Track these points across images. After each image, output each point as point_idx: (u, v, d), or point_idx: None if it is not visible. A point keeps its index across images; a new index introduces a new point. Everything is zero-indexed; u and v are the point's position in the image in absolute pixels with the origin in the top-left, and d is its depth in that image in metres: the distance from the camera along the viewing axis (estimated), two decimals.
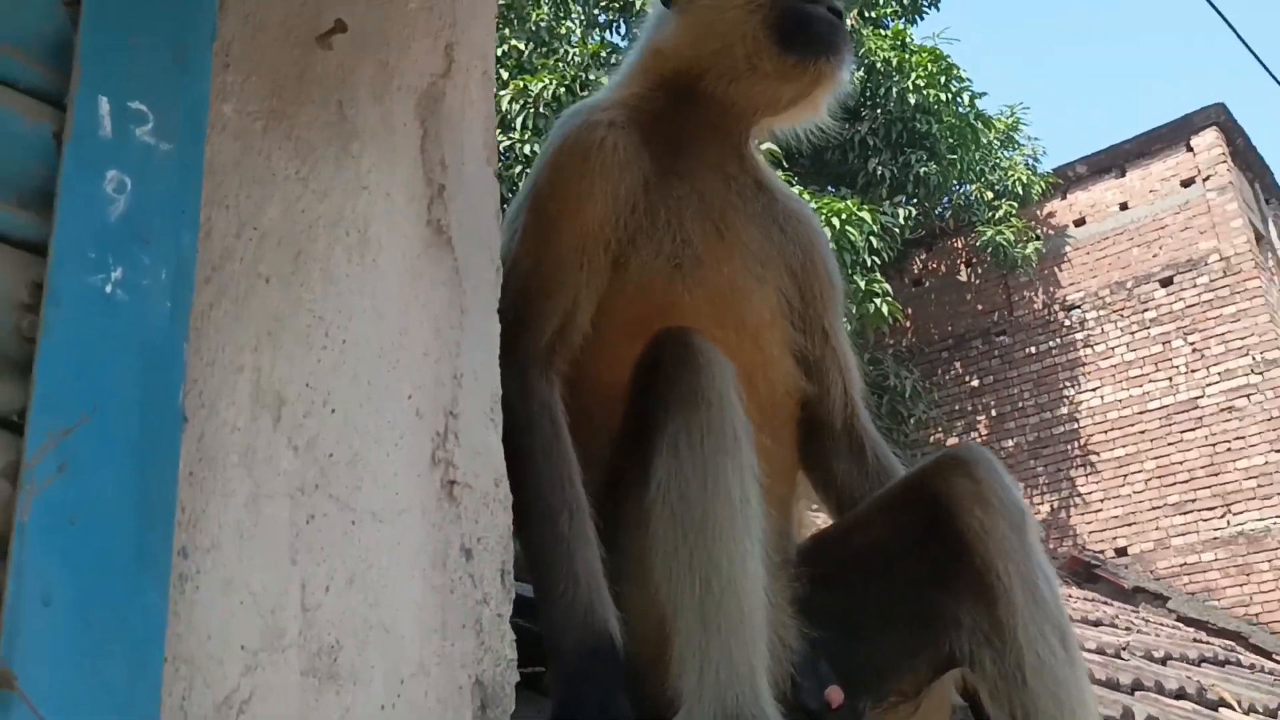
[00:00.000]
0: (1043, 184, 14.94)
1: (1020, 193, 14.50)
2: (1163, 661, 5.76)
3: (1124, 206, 15.46)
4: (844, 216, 11.36)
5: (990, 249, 14.72)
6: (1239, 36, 6.55)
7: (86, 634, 0.85)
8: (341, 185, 1.23)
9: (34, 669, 0.82)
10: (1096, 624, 6.93)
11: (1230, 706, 4.74)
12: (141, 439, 0.93)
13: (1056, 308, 15.70)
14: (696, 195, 1.77)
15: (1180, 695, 4.50)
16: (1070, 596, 10.02)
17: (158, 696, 0.90)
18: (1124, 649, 5.57)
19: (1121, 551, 14.45)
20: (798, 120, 1.95)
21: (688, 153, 1.80)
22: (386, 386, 1.20)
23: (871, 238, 11.81)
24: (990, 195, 14.42)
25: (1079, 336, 15.42)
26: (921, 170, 13.52)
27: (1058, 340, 15.57)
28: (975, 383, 16.12)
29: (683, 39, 1.81)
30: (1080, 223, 15.76)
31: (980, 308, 16.37)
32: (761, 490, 1.46)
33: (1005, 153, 14.91)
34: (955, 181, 14.31)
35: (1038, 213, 15.66)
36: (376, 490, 1.15)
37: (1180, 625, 12.32)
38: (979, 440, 15.76)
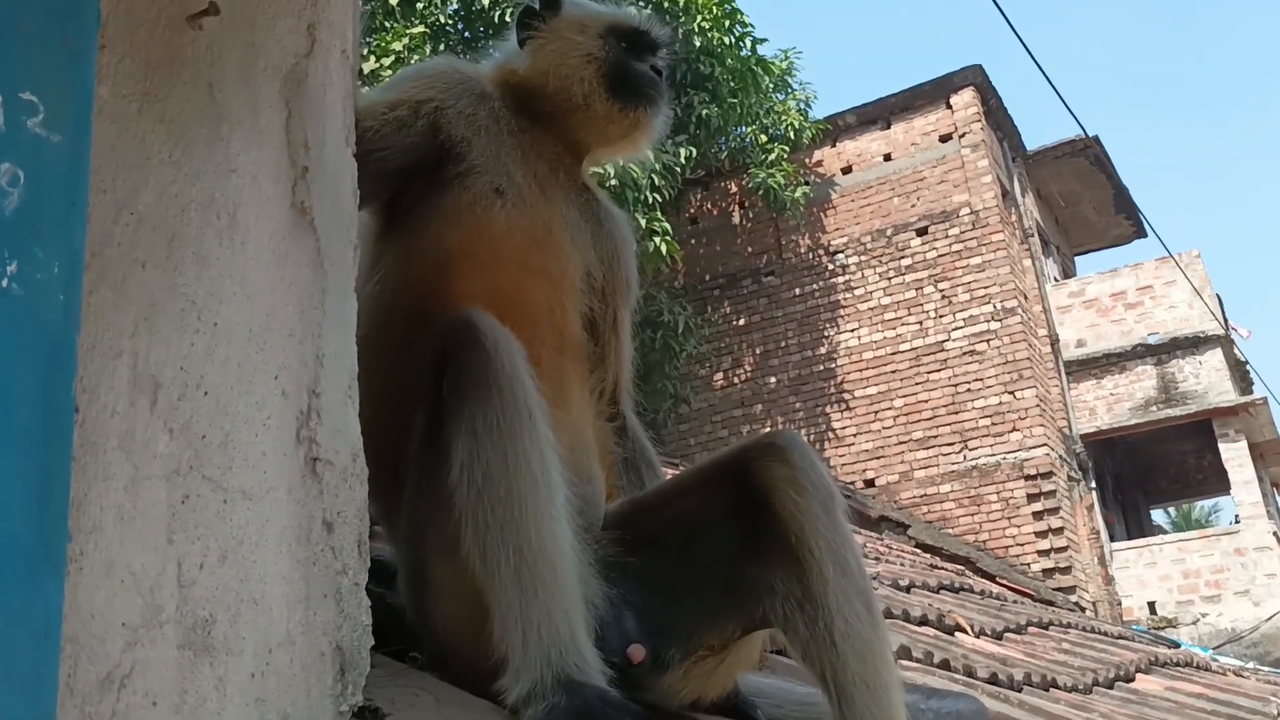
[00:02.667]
0: (813, 130, 15.56)
1: (792, 137, 15.04)
2: (907, 589, 6.27)
3: (887, 158, 16.30)
4: (635, 154, 11.49)
5: (762, 191, 15.24)
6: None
7: None
8: (212, 168, 1.25)
9: None
10: None
11: (964, 630, 5.24)
12: (40, 431, 0.95)
13: (821, 252, 16.45)
14: (528, 164, 1.98)
15: (923, 622, 4.94)
16: None
17: (56, 681, 0.94)
18: (874, 578, 6.04)
19: (870, 483, 15.44)
20: (622, 155, 2.34)
21: (530, 143, 2.00)
22: (255, 368, 1.24)
23: (653, 175, 12.03)
24: (764, 139, 14.89)
25: (841, 280, 16.23)
26: (703, 112, 13.82)
27: (821, 283, 16.33)
28: (743, 321, 16.74)
29: (533, 71, 2.05)
30: (847, 170, 16.52)
31: (751, 249, 16.98)
32: (560, 458, 1.58)
33: (778, 96, 15.42)
34: (734, 125, 14.68)
35: (807, 159, 16.31)
36: (246, 470, 1.20)
37: (918, 551, 13.31)
38: (744, 377, 16.44)
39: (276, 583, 1.20)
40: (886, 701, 1.59)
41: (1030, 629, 6.37)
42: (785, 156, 15.03)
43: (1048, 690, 4.27)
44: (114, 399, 1.10)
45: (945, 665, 3.98)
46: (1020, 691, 4.03)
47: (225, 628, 1.14)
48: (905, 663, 3.59)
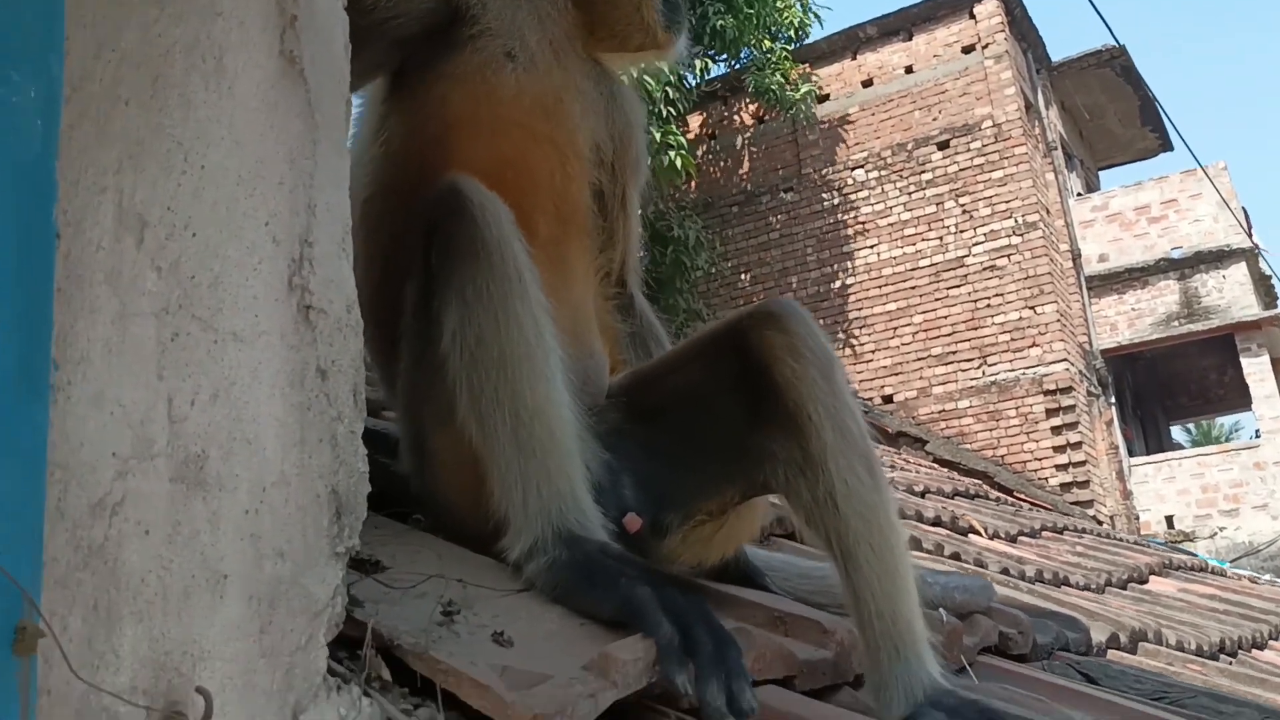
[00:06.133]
0: (811, 21, 15.28)
1: (793, 35, 14.79)
2: (922, 495, 6.30)
3: (909, 70, 16.04)
4: (641, 66, 11.35)
5: (765, 94, 15.02)
6: None
7: None
8: (196, 10, 1.23)
9: None
10: None
11: (978, 532, 5.27)
12: (19, 256, 0.95)
13: (841, 167, 16.27)
14: (544, 29, 1.92)
15: (937, 523, 4.97)
16: None
17: (43, 503, 0.95)
18: (889, 484, 6.06)
19: (888, 399, 15.45)
20: (629, 64, 2.25)
21: (548, 10, 1.94)
22: (245, 213, 1.23)
23: (668, 89, 11.89)
24: (768, 42, 14.64)
25: (860, 196, 16.07)
26: (718, 23, 13.59)
27: (840, 199, 16.19)
28: (762, 238, 16.63)
29: None
30: (868, 84, 16.28)
31: (769, 165, 16.80)
32: (553, 320, 1.58)
33: None
34: (750, 35, 14.45)
35: (823, 70, 16.08)
36: (237, 312, 1.20)
37: (936, 466, 13.35)
38: (763, 294, 16.37)
39: (270, 424, 1.20)
40: (892, 561, 1.59)
41: (1044, 533, 6.40)
42: (788, 55, 14.76)
43: (1059, 587, 4.29)
44: (99, 234, 1.09)
45: (956, 558, 4.01)
46: (1032, 585, 4.06)
47: (218, 464, 1.14)
48: (916, 554, 3.61)
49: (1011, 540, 5.66)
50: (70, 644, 1.00)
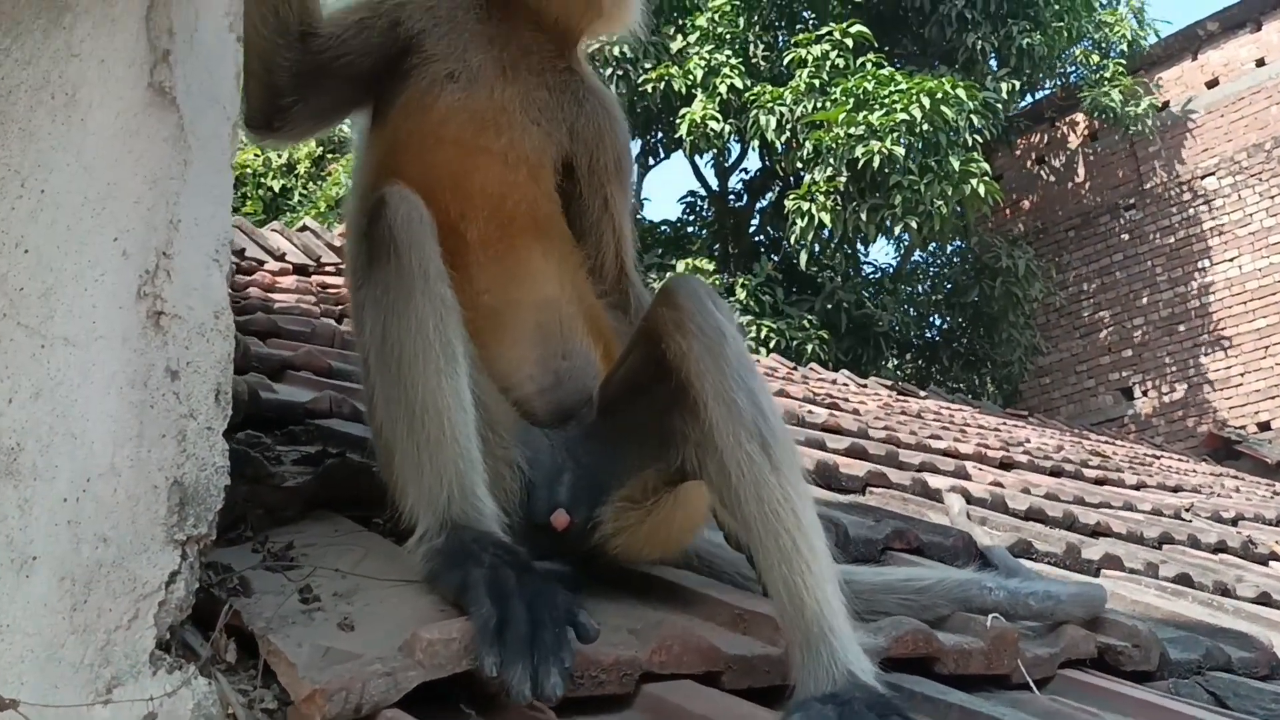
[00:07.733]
0: (1146, 34, 14.26)
1: (1126, 49, 13.83)
2: (1233, 523, 5.61)
3: (1260, 63, 14.59)
4: (938, 95, 11.02)
5: (1099, 114, 14.14)
6: None
7: None
8: (49, 54, 1.36)
9: None
10: (1176, 489, 6.77)
11: None
12: None
13: (1189, 176, 14.99)
14: (492, 49, 1.95)
15: (1219, 549, 4.42)
16: (1193, 472, 9.75)
17: None
18: (1187, 509, 5.47)
19: (1264, 426, 13.94)
20: (604, 33, 2.19)
21: (497, 31, 1.96)
22: (89, 231, 1.34)
23: (972, 116, 11.44)
24: (1096, 57, 13.75)
25: (1214, 205, 14.72)
26: (1025, 42, 12.95)
27: (1191, 211, 14.89)
28: (1103, 260, 15.58)
29: None
30: (1213, 84, 14.95)
31: (1106, 183, 15.74)
32: (465, 320, 1.62)
33: (1104, 4, 14.28)
34: (1062, 50, 13.67)
35: (1159, 77, 14.94)
36: (71, 320, 1.30)
37: None
38: (1109, 321, 15.30)
39: (101, 420, 1.29)
40: (791, 546, 1.47)
41: None
42: (1122, 70, 13.81)
43: None
44: None
45: (1225, 592, 3.52)
46: None
47: (34, 456, 1.24)
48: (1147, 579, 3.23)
49: None
50: None
